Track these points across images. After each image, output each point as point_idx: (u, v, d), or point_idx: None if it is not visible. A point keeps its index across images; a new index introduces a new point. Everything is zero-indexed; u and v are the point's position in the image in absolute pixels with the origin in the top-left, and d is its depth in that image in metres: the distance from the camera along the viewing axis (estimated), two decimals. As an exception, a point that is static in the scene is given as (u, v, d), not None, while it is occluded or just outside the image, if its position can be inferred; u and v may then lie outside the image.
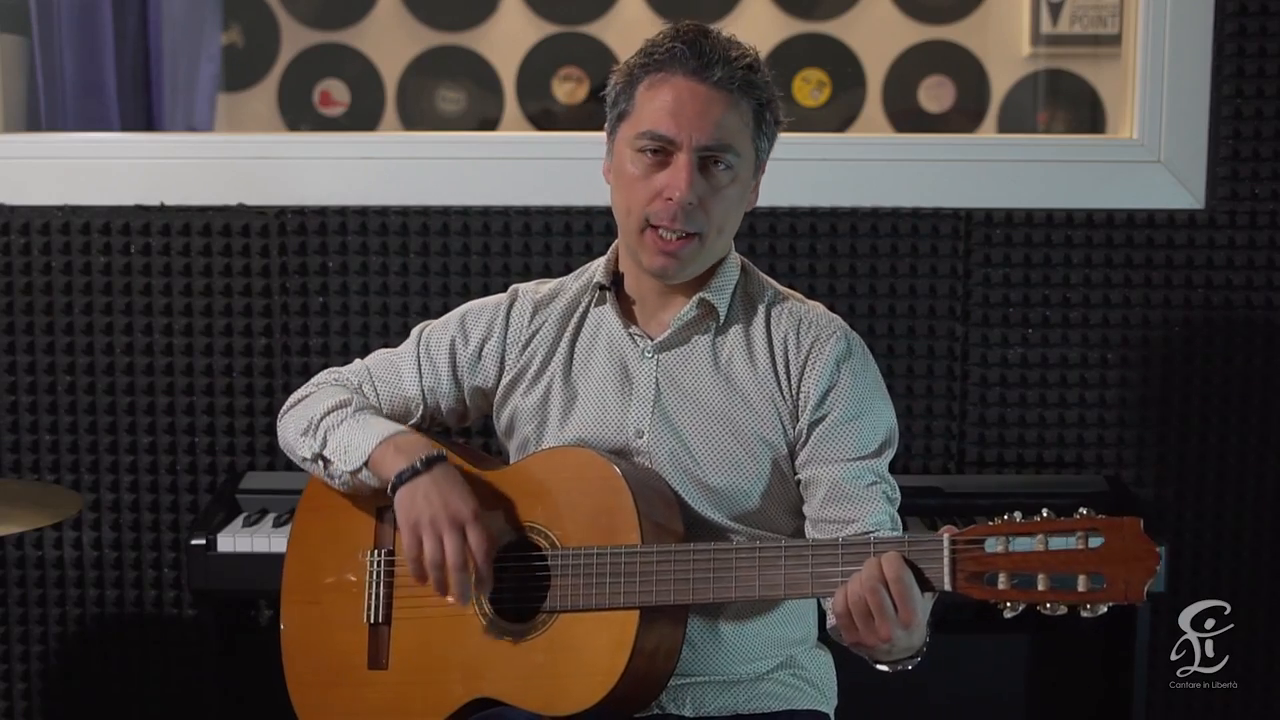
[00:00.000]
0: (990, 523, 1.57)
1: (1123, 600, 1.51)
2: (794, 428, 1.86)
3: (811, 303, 1.94)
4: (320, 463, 1.91)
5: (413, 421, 1.97)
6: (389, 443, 1.85)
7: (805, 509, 1.88)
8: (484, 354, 1.97)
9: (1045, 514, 1.55)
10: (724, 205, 1.81)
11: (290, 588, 1.98)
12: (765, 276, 1.96)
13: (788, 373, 1.86)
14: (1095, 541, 1.52)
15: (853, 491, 1.82)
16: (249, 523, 2.67)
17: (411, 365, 1.99)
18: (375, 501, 1.92)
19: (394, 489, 1.82)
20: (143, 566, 2.95)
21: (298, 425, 1.95)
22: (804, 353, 1.86)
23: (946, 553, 1.57)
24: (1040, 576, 1.53)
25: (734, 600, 1.76)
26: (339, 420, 1.91)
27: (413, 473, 1.81)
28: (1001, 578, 1.54)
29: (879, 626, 1.60)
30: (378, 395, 1.99)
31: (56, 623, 2.96)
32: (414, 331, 2.03)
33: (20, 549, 2.95)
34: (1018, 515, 1.55)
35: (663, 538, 1.77)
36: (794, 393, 1.86)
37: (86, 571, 2.95)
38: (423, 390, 1.98)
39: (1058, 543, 1.53)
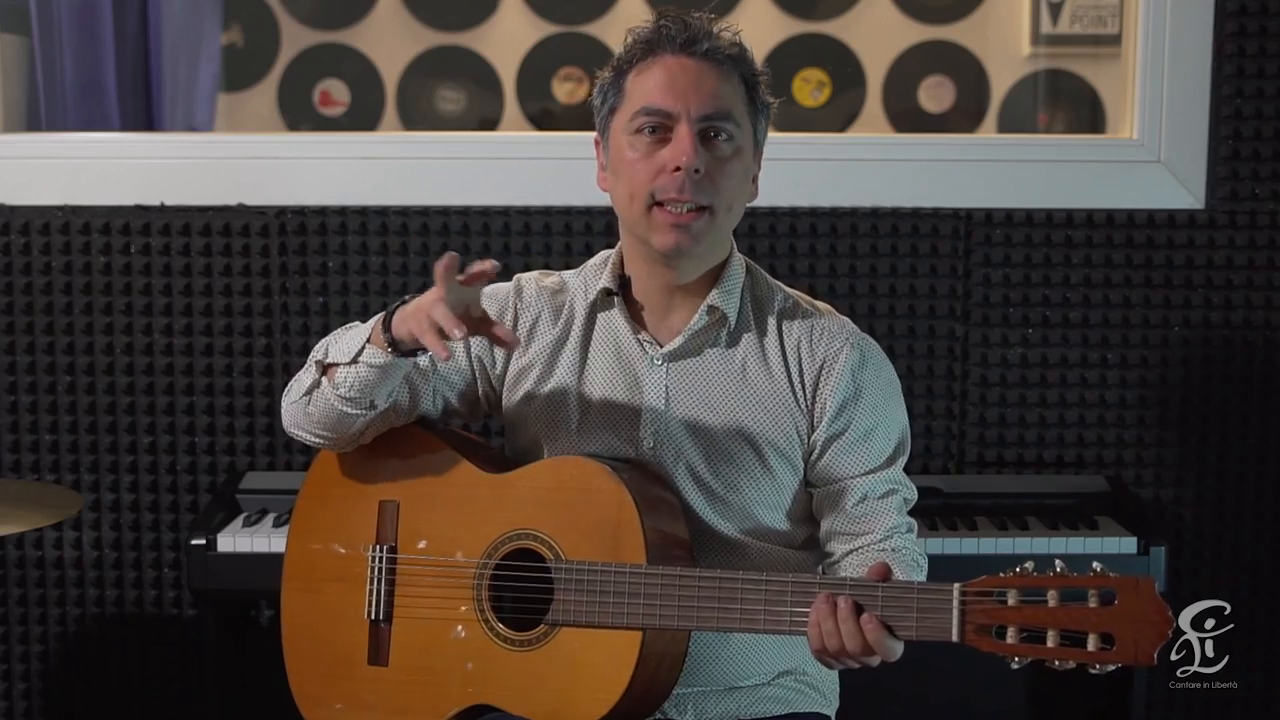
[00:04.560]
0: (1002, 575, 1.54)
1: (1132, 662, 1.48)
2: (809, 438, 1.85)
3: (822, 306, 1.92)
4: (324, 377, 1.84)
5: (423, 403, 1.92)
6: (379, 321, 1.80)
7: (820, 520, 1.88)
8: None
9: (1059, 569, 1.52)
10: (730, 180, 1.78)
11: (291, 574, 1.97)
12: (770, 277, 1.94)
13: (803, 383, 1.85)
14: (1108, 600, 1.49)
15: (868, 505, 1.83)
16: (249, 523, 2.67)
17: None
18: (378, 495, 1.91)
19: (386, 325, 1.78)
20: (143, 566, 2.95)
21: (299, 377, 1.90)
22: (818, 363, 1.85)
23: (956, 604, 1.55)
24: (1050, 632, 1.50)
25: (739, 631, 1.75)
26: (335, 336, 1.88)
27: (395, 307, 1.78)
28: (1010, 631, 1.52)
29: (855, 664, 1.64)
30: None
31: (56, 623, 2.96)
32: None
33: (20, 549, 2.95)
34: (1030, 567, 1.53)
35: (668, 548, 1.76)
36: (809, 404, 1.85)
37: (86, 571, 2.95)
38: (435, 368, 1.92)
39: (1070, 599, 1.50)
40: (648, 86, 1.78)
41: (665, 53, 1.78)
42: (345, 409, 1.84)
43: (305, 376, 1.89)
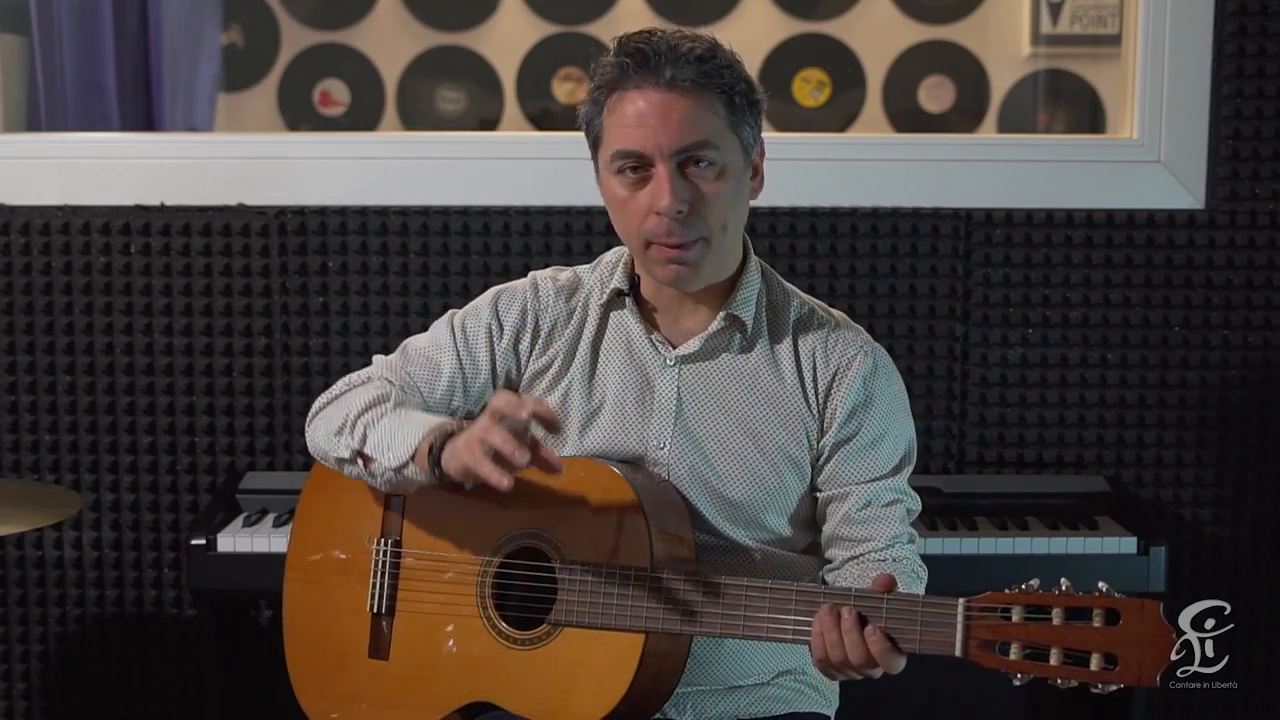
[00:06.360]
0: (1007, 590, 1.53)
1: (1134, 683, 1.49)
2: (818, 444, 1.85)
3: (836, 314, 1.92)
4: (360, 461, 1.83)
5: (460, 415, 1.91)
6: (430, 435, 1.76)
7: (823, 525, 1.88)
8: (518, 343, 1.92)
9: (1064, 587, 1.51)
10: (719, 204, 1.76)
11: (294, 564, 1.97)
12: (785, 282, 1.93)
13: (815, 389, 1.85)
14: (1112, 621, 1.49)
15: (872, 512, 1.83)
16: (249, 523, 2.67)
17: (451, 358, 1.92)
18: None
19: (435, 463, 1.74)
20: (143, 566, 2.95)
21: (330, 425, 1.88)
22: (832, 370, 1.85)
23: (960, 619, 1.55)
24: (1053, 650, 1.50)
25: (740, 638, 1.74)
26: (378, 415, 1.84)
27: (443, 441, 1.74)
28: (1014, 648, 1.52)
29: (858, 674, 1.64)
30: (420, 394, 1.93)
31: (56, 623, 2.96)
32: (445, 320, 1.95)
33: (20, 549, 2.95)
34: (1035, 584, 1.53)
35: (672, 551, 1.76)
36: (820, 410, 1.85)
37: (86, 571, 2.95)
38: (465, 384, 1.92)
39: (1074, 618, 1.50)
40: (620, 126, 1.75)
41: (630, 88, 1.74)
42: (380, 487, 1.86)
43: (340, 445, 1.84)
